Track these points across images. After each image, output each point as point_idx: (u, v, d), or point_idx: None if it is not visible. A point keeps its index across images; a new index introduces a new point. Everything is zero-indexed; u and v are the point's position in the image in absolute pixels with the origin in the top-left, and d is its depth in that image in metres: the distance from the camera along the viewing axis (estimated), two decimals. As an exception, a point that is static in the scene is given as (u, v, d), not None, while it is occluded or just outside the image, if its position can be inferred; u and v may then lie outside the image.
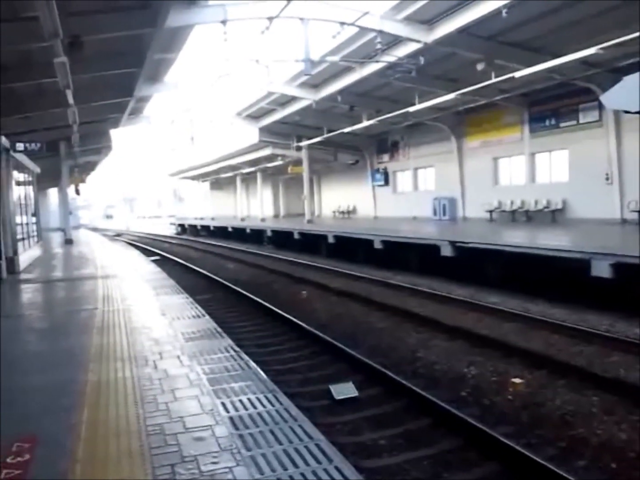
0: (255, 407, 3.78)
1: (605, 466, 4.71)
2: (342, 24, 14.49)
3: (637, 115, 12.02)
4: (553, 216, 21.17)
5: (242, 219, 41.83)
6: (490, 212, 23.98)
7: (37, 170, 18.51)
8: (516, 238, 14.76)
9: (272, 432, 3.35)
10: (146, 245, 31.11)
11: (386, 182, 32.61)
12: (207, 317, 7.08)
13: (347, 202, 37.14)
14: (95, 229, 56.35)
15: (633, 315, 9.66)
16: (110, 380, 4.52)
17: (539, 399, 6.20)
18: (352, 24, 14.61)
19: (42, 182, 26.17)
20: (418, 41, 15.71)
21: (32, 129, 17.99)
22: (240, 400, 3.92)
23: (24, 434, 3.44)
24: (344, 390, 6.43)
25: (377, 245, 17.46)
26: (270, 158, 35.69)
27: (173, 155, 47.81)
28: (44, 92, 14.93)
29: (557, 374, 6.92)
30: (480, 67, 16.27)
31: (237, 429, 3.43)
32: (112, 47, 13.48)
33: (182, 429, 3.47)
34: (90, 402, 4.04)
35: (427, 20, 15.18)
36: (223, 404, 3.86)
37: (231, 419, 3.60)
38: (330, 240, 20.92)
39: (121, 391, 4.24)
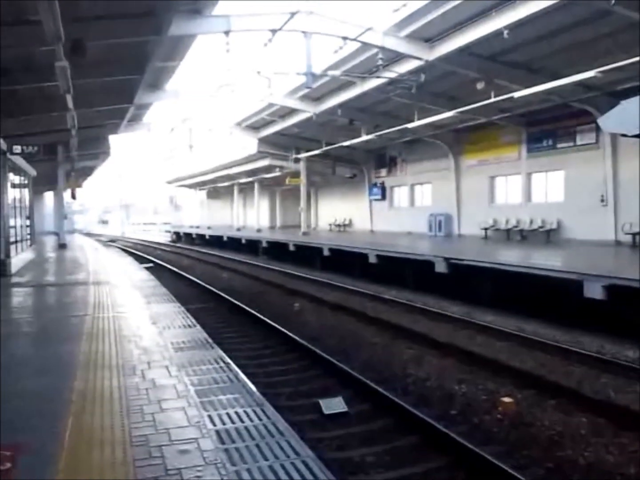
0: (242, 421, 3.74)
1: (593, 490, 4.68)
2: (345, 39, 14.58)
3: (634, 138, 12.12)
4: (548, 236, 21.22)
5: (238, 229, 41.80)
6: (486, 229, 24.03)
7: (33, 173, 18.48)
8: (511, 257, 14.78)
9: (258, 447, 3.31)
10: (140, 252, 31.02)
11: (383, 197, 32.67)
12: (198, 327, 7.03)
13: (343, 215, 37.17)
14: (89, 234, 56.18)
15: (623, 337, 9.68)
16: (97, 388, 4.47)
17: (528, 419, 6.18)
18: (355, 40, 14.70)
19: (38, 186, 26.10)
20: (419, 58, 15.81)
21: (30, 132, 17.96)
22: (228, 413, 3.87)
23: (7, 442, 3.38)
24: (334, 405, 6.39)
25: (372, 259, 17.45)
26: (268, 169, 35.75)
27: (171, 162, 47.81)
28: (44, 96, 14.92)
29: (547, 394, 6.90)
30: (479, 86, 16.37)
31: (223, 442, 3.38)
32: (115, 53, 13.52)
33: (168, 440, 3.42)
34: (76, 410, 3.98)
35: (428, 38, 15.30)
36: (210, 417, 3.81)
37: (217, 432, 3.55)
38: (326, 253, 20.90)
39: (107, 400, 4.19)
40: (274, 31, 13.67)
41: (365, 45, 15.56)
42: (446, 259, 14.16)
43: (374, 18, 14.60)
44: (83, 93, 14.10)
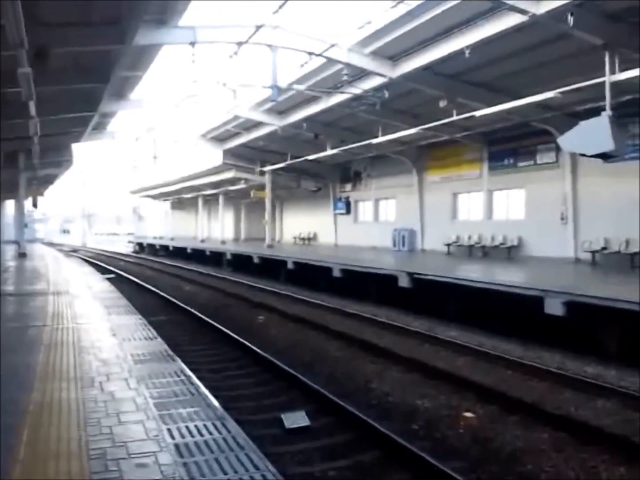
0: (202, 435, 3.67)
1: (552, 503, 4.74)
2: (310, 54, 14.70)
3: (592, 158, 12.48)
4: (509, 252, 21.61)
5: (202, 241, 41.42)
6: (448, 245, 24.35)
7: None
8: (472, 272, 14.99)
9: (217, 461, 3.25)
10: (102, 263, 30.44)
11: (348, 211, 32.83)
12: (159, 339, 6.91)
13: (308, 228, 37.21)
14: (51, 244, 54.94)
15: (583, 353, 9.89)
16: (54, 400, 4.35)
17: (490, 434, 6.23)
18: (320, 55, 14.83)
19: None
20: (383, 75, 16.04)
21: (-10, 139, 17.56)
22: (187, 427, 3.80)
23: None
24: (296, 419, 6.34)
25: (336, 273, 17.48)
26: (233, 181, 35.61)
27: (135, 172, 47.20)
28: (6, 102, 14.60)
29: (509, 409, 6.97)
30: (442, 104, 16.66)
31: (181, 456, 3.32)
32: (79, 61, 13.37)
33: (125, 454, 3.34)
34: (32, 423, 3.87)
35: (392, 56, 15.54)
36: (169, 430, 3.74)
37: (176, 445, 3.48)
38: (290, 266, 20.87)
39: (65, 412, 4.08)
40: (239, 44, 13.70)
41: (331, 61, 15.72)
42: (409, 274, 14.28)
43: (340, 34, 14.78)
44: (46, 100, 13.88)
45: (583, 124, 11.78)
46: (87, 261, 29.44)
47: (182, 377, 5.09)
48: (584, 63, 13.49)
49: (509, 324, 11.76)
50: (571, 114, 16.06)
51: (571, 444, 5.92)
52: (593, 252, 18.25)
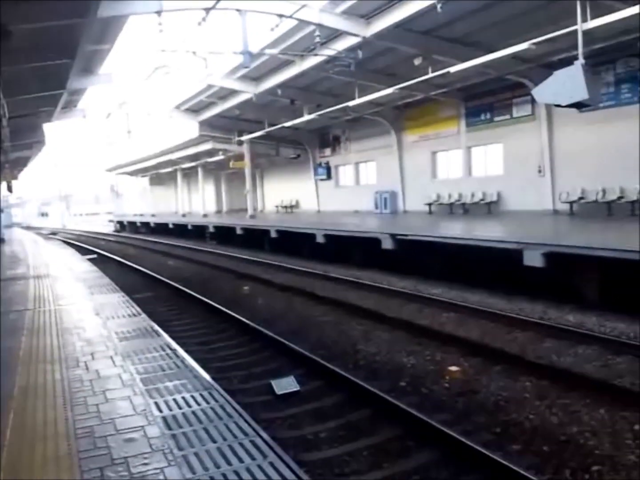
0: (189, 406, 3.70)
1: (538, 449, 4.87)
2: (281, 16, 14.40)
3: (568, 108, 12.46)
4: (489, 208, 21.77)
5: (184, 215, 41.11)
6: (429, 205, 24.44)
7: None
8: (453, 230, 15.10)
9: (206, 431, 3.29)
10: (83, 244, 30.15)
11: (328, 177, 32.69)
12: (144, 315, 6.90)
13: (290, 196, 37.07)
14: (29, 228, 54.25)
15: (564, 303, 10.08)
16: (39, 383, 4.34)
17: (475, 386, 6.37)
18: (290, 17, 14.53)
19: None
20: (356, 35, 15.77)
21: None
22: (175, 400, 3.83)
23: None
24: (286, 384, 6.41)
25: (320, 239, 17.50)
26: (211, 153, 35.19)
27: (110, 149, 46.45)
28: (-31, 85, 14.21)
29: (492, 361, 7.12)
30: (417, 62, 16.50)
31: (170, 428, 3.35)
32: (42, 38, 12.92)
33: (113, 430, 3.36)
34: (17, 407, 3.86)
35: (364, 14, 15.26)
36: (156, 404, 3.76)
37: (164, 418, 3.51)
38: (273, 235, 20.84)
39: (50, 394, 4.07)
40: (207, 10, 13.36)
41: (302, 23, 15.40)
42: (392, 235, 14.34)
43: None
44: (12, 81, 13.49)
45: (556, 74, 11.71)
46: (67, 243, 29.10)
47: (168, 352, 5.10)
48: (556, 12, 13.37)
49: (492, 279, 11.92)
50: (546, 65, 16.00)
51: (553, 391, 6.09)
52: (570, 203, 18.47)
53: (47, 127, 25.26)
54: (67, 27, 12.12)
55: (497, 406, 5.82)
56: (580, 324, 8.83)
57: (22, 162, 35.18)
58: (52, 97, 18.36)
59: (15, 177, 30.51)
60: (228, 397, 3.88)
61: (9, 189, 27.63)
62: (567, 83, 11.45)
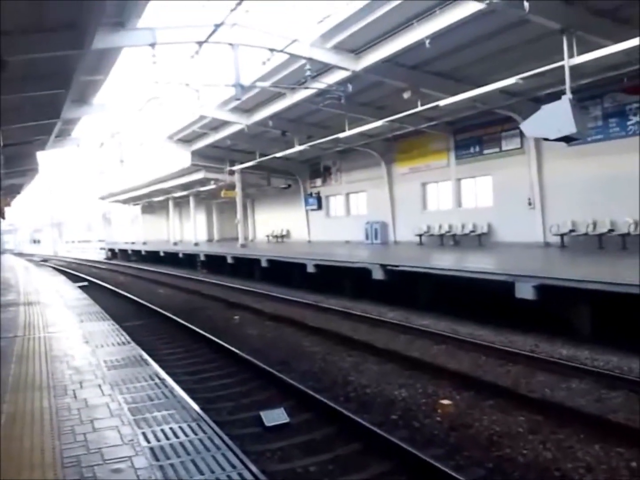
0: (177, 437, 3.67)
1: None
2: (272, 50, 14.64)
3: (557, 142, 12.66)
4: (479, 240, 21.88)
5: (175, 244, 41.03)
6: (420, 236, 24.55)
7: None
8: (444, 261, 15.16)
9: (193, 462, 3.26)
10: (74, 271, 29.95)
11: (319, 207, 32.88)
12: (133, 344, 6.85)
13: (280, 226, 37.14)
14: (21, 254, 53.94)
15: (556, 336, 10.07)
16: (26, 411, 4.31)
17: (467, 420, 6.31)
18: (282, 51, 14.77)
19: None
20: (346, 69, 16.06)
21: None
22: (163, 430, 3.79)
23: None
24: (275, 416, 6.35)
25: (310, 269, 17.50)
26: (203, 182, 35.31)
27: (103, 178, 46.51)
28: (-34, 113, 14.27)
29: (485, 394, 7.07)
30: (406, 95, 16.73)
31: (157, 459, 3.31)
32: (38, 68, 13.07)
33: (100, 460, 3.33)
34: (5, 434, 3.83)
35: (354, 49, 15.55)
36: (144, 434, 3.72)
37: (152, 449, 3.47)
38: (264, 264, 20.82)
39: (38, 422, 4.04)
40: (200, 43, 13.58)
41: (293, 57, 15.67)
42: (382, 266, 14.37)
43: (300, 29, 14.72)
44: (6, 109, 13.58)
45: (544, 108, 11.94)
46: (58, 270, 28.94)
47: (157, 381, 5.07)
48: (543, 48, 13.67)
49: (482, 311, 11.92)
50: (534, 99, 16.29)
51: (547, 426, 6.04)
52: (561, 235, 18.59)
53: (41, 155, 25.32)
54: (62, 58, 12.26)
55: (490, 441, 5.76)
56: (573, 357, 8.82)
57: (15, 189, 35.15)
58: (46, 126, 18.47)
59: (8, 204, 30.40)
60: (217, 429, 3.85)
61: (2, 215, 27.54)
62: (555, 117, 11.66)
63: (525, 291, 10.38)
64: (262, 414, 6.38)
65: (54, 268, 30.66)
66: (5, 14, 9.69)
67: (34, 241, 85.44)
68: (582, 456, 5.32)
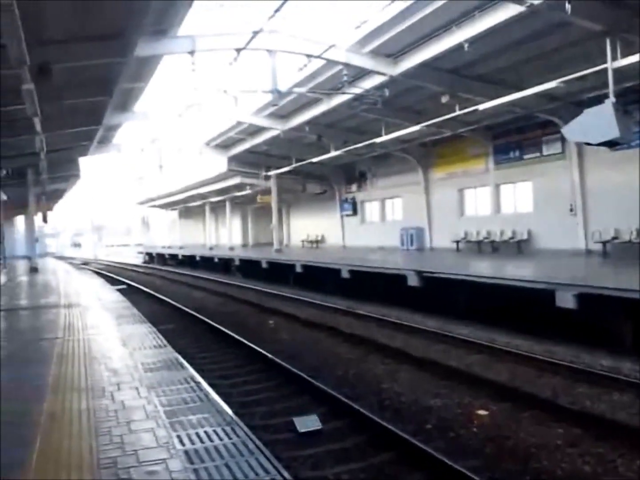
0: (212, 440, 3.67)
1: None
2: (309, 56, 14.70)
3: (599, 147, 12.35)
4: (518, 247, 21.49)
5: (211, 248, 41.51)
6: (457, 242, 24.26)
7: (3, 197, 18.16)
8: (482, 268, 14.91)
9: (227, 466, 3.25)
10: (112, 274, 30.56)
11: (354, 212, 32.84)
12: (169, 347, 6.91)
13: (315, 231, 37.21)
14: (62, 257, 55.34)
15: (597, 346, 9.77)
16: (65, 411, 4.37)
17: (504, 432, 6.16)
18: (319, 57, 14.83)
19: (8, 210, 25.70)
20: (383, 74, 16.02)
21: (-1, 156, 17.70)
22: (197, 433, 3.80)
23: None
24: (308, 422, 6.32)
25: (345, 274, 17.44)
26: (239, 187, 35.68)
27: (142, 183, 47.47)
28: (12, 119, 14.70)
29: (523, 405, 6.90)
30: (444, 99, 16.62)
31: (192, 462, 3.32)
32: (82, 76, 13.40)
33: (136, 462, 3.35)
34: (44, 434, 3.89)
35: (391, 53, 15.52)
36: (179, 437, 3.74)
37: (186, 452, 3.48)
38: (298, 269, 20.85)
39: (76, 423, 4.09)
40: (238, 50, 13.74)
41: (330, 62, 15.71)
42: (418, 272, 14.22)
43: (337, 35, 14.76)
44: (51, 116, 13.95)
45: (587, 112, 11.67)
46: (98, 273, 29.57)
47: (192, 384, 5.09)
48: (586, 50, 13.40)
49: (521, 319, 11.68)
50: (575, 103, 15.97)
51: (587, 439, 5.85)
52: (603, 243, 18.12)
53: (83, 161, 25.97)
54: (105, 65, 12.56)
55: (528, 453, 5.60)
56: (614, 368, 8.53)
57: (58, 194, 36.15)
58: (88, 132, 18.94)
59: (51, 209, 31.29)
60: (250, 434, 3.84)
61: (44, 219, 28.35)
62: (598, 121, 11.38)
63: (565, 300, 10.12)
64: (295, 419, 6.36)
65: (94, 271, 31.32)
66: (50, 23, 9.99)
67: (75, 245, 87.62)
68: (624, 471, 5.14)
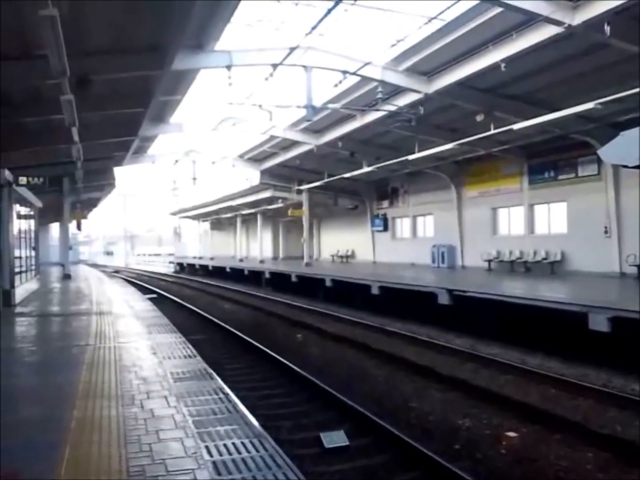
0: (239, 452, 3.68)
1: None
2: (344, 72, 14.80)
3: (635, 169, 12.14)
4: (552, 268, 21.11)
5: (241, 260, 41.80)
6: (489, 261, 23.95)
7: (39, 204, 18.65)
8: (515, 289, 14.69)
9: (255, 479, 3.25)
10: (144, 283, 31.00)
11: (385, 228, 32.73)
12: (198, 357, 6.98)
13: (346, 246, 37.17)
14: (94, 265, 56.33)
15: (630, 371, 9.53)
16: (95, 418, 4.44)
17: (533, 454, 6.05)
18: (354, 73, 14.91)
19: (43, 217, 26.31)
20: (418, 92, 16.03)
21: (37, 164, 18.18)
22: (225, 445, 3.82)
23: (7, 469, 3.35)
24: (335, 438, 6.28)
25: (375, 290, 17.37)
26: (271, 200, 35.95)
27: (175, 194, 48.13)
28: (50, 128, 15.15)
29: (552, 428, 6.78)
30: (479, 118, 16.53)
31: (219, 474, 3.33)
32: (120, 87, 13.76)
33: (164, 471, 3.38)
34: (74, 440, 3.95)
35: (427, 72, 15.53)
36: (207, 448, 3.76)
37: (214, 463, 3.50)
38: (328, 284, 20.83)
39: (105, 430, 4.15)
40: (274, 65, 13.92)
41: (365, 79, 15.79)
42: (449, 291, 14.08)
43: (373, 52, 14.81)
44: (88, 126, 14.33)
45: (623, 134, 11.48)
46: (129, 282, 30.00)
47: (221, 395, 5.13)
48: (624, 72, 13.20)
49: (553, 341, 11.46)
50: (612, 124, 15.73)
51: (617, 464, 5.73)
52: (638, 267, 17.69)
53: (118, 170, 26.51)
54: (143, 78, 12.86)
55: (556, 476, 5.51)
56: (648, 394, 8.33)
57: (92, 203, 36.91)
58: (124, 142, 19.35)
59: (85, 217, 31.93)
60: (277, 448, 3.84)
61: (79, 227, 28.96)
62: (635, 144, 11.18)
63: (599, 323, 9.92)
64: (322, 435, 6.33)
65: (125, 279, 31.79)
66: (91, 36, 10.29)
67: (107, 253, 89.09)
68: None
